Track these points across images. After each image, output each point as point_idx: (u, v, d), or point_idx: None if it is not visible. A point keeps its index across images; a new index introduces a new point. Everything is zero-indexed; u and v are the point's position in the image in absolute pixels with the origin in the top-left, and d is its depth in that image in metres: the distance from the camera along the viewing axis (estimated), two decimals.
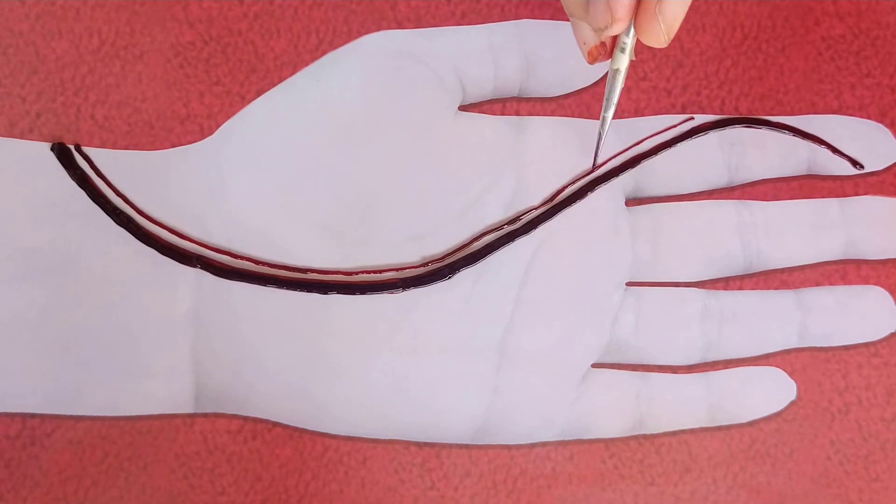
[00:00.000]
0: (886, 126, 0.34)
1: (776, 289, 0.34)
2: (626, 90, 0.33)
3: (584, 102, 0.33)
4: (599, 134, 0.30)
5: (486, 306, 0.32)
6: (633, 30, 0.26)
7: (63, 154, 0.31)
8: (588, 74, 0.33)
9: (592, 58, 0.27)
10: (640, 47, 0.33)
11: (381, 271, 0.32)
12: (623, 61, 0.27)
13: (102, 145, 0.32)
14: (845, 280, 0.34)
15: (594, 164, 0.32)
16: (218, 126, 0.32)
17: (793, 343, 0.33)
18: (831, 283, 0.34)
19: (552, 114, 0.33)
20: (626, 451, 0.33)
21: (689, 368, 0.33)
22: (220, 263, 0.32)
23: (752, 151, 0.33)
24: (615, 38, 0.27)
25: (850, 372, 0.33)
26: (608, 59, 0.27)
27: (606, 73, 0.33)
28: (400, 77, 0.32)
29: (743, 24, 0.34)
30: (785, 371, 0.33)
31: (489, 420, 0.33)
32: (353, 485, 0.33)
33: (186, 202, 0.32)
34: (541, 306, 0.33)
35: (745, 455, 0.33)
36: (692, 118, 0.33)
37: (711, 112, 0.34)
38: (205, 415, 0.32)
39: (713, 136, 0.33)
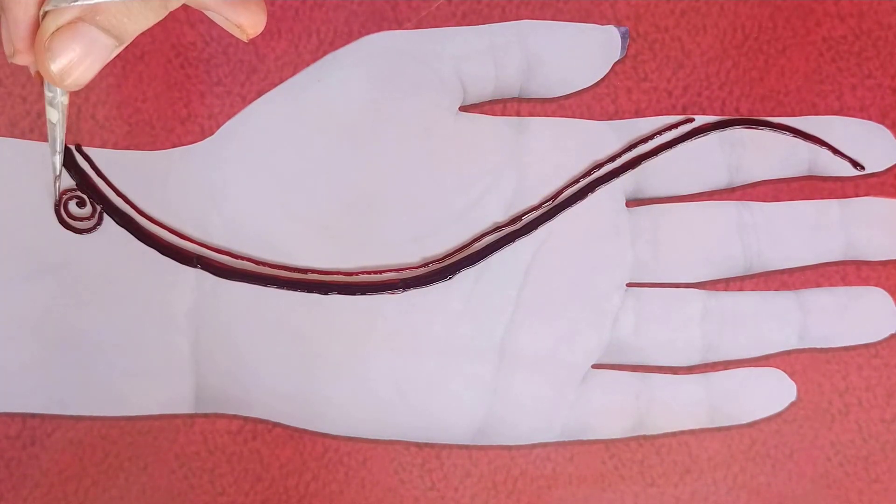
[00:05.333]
0: (887, 127, 0.34)
1: (776, 290, 0.34)
2: (627, 91, 0.33)
3: (584, 103, 0.33)
4: (54, 178, 0.30)
5: (486, 307, 0.32)
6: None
7: (63, 154, 0.31)
8: (589, 75, 0.33)
9: (38, 81, 0.25)
10: (640, 47, 0.33)
11: (381, 272, 0.32)
12: (52, 114, 0.25)
13: (103, 145, 0.32)
14: (845, 281, 0.34)
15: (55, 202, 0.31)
16: (219, 126, 0.32)
17: (793, 344, 0.33)
18: (831, 285, 0.34)
19: (553, 114, 0.33)
20: (627, 452, 0.33)
21: (690, 369, 0.33)
22: (221, 264, 0.32)
23: (753, 152, 0.33)
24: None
25: (850, 373, 0.33)
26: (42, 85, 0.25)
27: (608, 73, 0.33)
28: (401, 78, 0.32)
29: (744, 24, 0.34)
30: (785, 372, 0.33)
31: (489, 421, 0.33)
32: (353, 485, 0.33)
33: (187, 202, 0.32)
34: (541, 307, 0.33)
35: (745, 456, 0.33)
36: (692, 119, 0.33)
37: (712, 113, 0.33)
38: (205, 415, 0.32)
39: (714, 136, 0.33)
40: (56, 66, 0.21)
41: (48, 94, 0.24)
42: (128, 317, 0.31)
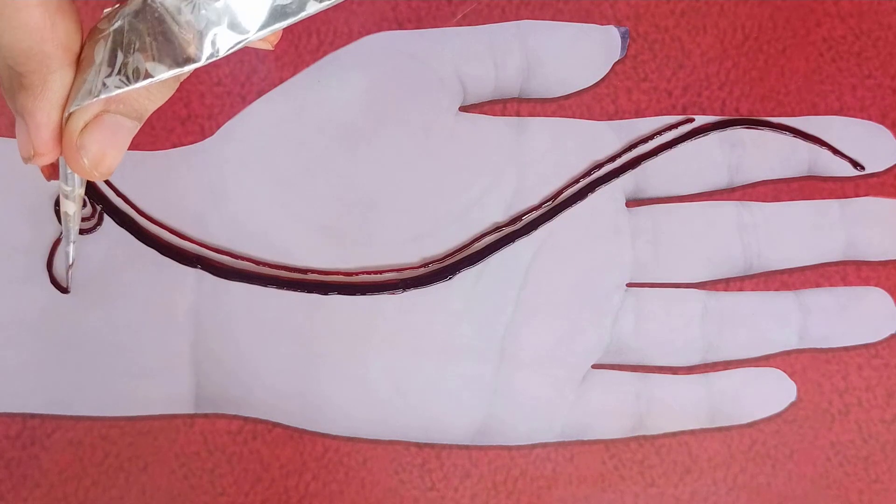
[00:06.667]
0: (887, 127, 0.34)
1: (776, 290, 0.34)
2: (627, 91, 0.33)
3: (584, 103, 0.33)
4: (66, 267, 0.30)
5: (486, 307, 0.32)
6: (77, 178, 0.24)
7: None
8: (589, 75, 0.33)
9: (46, 175, 0.24)
10: (640, 47, 0.33)
11: (381, 272, 0.32)
12: (69, 206, 0.25)
13: None
14: (845, 281, 0.34)
15: (65, 288, 0.31)
16: (219, 126, 0.32)
17: (793, 344, 0.33)
18: (831, 285, 0.34)
19: (552, 114, 0.33)
20: (627, 452, 0.33)
21: (690, 369, 0.33)
22: (221, 264, 0.32)
23: (753, 152, 0.33)
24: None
25: (850, 373, 0.33)
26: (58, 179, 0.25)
27: (608, 73, 0.33)
28: (401, 78, 0.32)
29: (744, 25, 0.34)
30: (785, 372, 0.33)
31: (489, 421, 0.33)
32: (353, 485, 0.33)
33: (187, 203, 0.32)
34: (541, 307, 0.33)
35: (745, 456, 0.33)
36: (692, 119, 0.33)
37: (712, 113, 0.33)
38: (205, 415, 0.32)
39: (714, 137, 0.33)
40: (88, 161, 0.21)
41: (66, 188, 0.24)
42: (128, 317, 0.31)
